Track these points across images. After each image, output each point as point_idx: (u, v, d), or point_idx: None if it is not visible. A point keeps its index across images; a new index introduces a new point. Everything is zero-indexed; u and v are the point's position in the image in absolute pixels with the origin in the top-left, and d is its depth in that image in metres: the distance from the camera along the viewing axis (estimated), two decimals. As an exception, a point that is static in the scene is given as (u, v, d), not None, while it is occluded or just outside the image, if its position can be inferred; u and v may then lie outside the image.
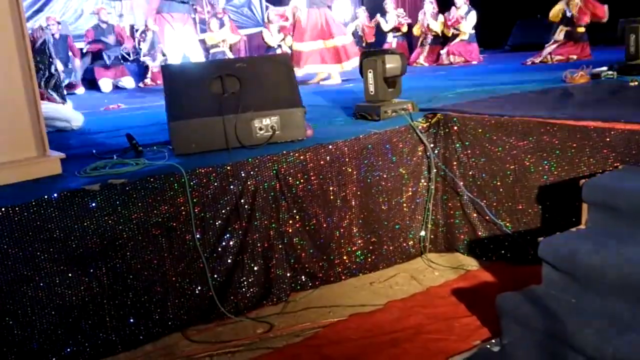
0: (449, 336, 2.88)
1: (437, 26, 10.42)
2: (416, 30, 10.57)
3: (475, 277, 3.57)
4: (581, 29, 8.30)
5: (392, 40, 11.42)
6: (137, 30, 11.00)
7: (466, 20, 9.85)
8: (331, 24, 8.02)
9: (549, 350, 2.43)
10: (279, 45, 12.28)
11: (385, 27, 11.48)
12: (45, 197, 2.65)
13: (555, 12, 8.50)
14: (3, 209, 2.53)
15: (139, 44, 10.71)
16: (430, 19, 10.54)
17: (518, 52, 9.96)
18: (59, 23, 9.32)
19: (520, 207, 3.59)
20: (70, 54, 9.73)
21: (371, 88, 4.10)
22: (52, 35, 9.26)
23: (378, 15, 11.49)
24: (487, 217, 3.73)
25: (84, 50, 9.95)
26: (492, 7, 11.98)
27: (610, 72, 5.35)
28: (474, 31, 9.88)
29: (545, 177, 3.45)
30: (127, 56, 10.40)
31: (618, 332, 2.25)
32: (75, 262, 2.74)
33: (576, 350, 2.29)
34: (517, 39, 11.28)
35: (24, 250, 2.60)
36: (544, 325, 2.45)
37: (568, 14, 8.37)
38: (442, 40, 10.48)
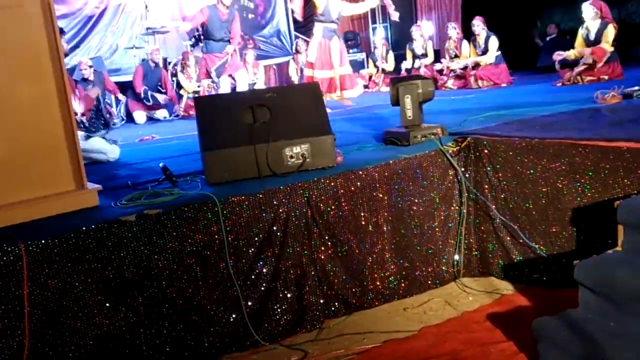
0: (485, 362, 2.86)
1: (456, 65, 10.44)
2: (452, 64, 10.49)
3: (511, 301, 3.53)
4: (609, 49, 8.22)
5: (420, 65, 11.44)
6: (169, 63, 11.20)
7: (489, 48, 9.83)
8: (334, 54, 8.25)
9: (587, 374, 2.39)
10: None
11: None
12: (83, 228, 2.71)
13: (578, 43, 8.47)
14: (43, 241, 2.59)
15: (172, 77, 10.89)
16: (449, 61, 10.55)
17: (548, 73, 9.88)
18: (90, 67, 9.58)
19: (554, 229, 3.55)
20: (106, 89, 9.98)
21: (409, 113, 4.12)
22: (86, 78, 9.51)
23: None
24: (521, 241, 3.70)
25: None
26: (520, 28, 11.95)
27: (642, 92, 5.29)
28: (499, 53, 9.84)
29: (578, 199, 3.42)
30: (160, 89, 10.57)
31: (658, 355, 2.22)
32: (113, 292, 2.78)
33: (615, 374, 2.26)
34: (546, 60, 11.21)
35: (63, 282, 2.65)
36: (582, 350, 2.42)
37: (591, 37, 8.32)
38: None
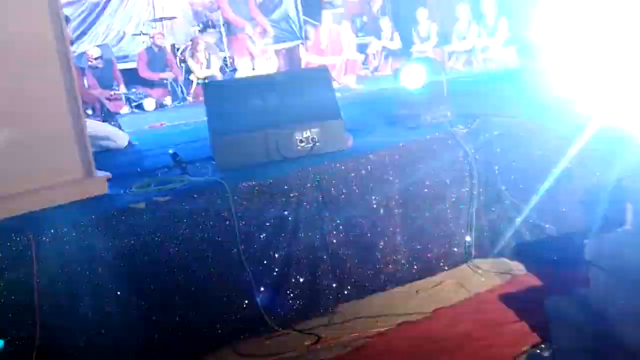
0: (498, 342, 2.86)
1: (464, 45, 10.38)
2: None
3: (523, 281, 3.53)
4: None
5: (428, 48, 11.36)
6: (178, 49, 11.17)
7: (499, 29, 9.78)
8: (344, 39, 8.25)
9: (600, 352, 2.39)
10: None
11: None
12: (93, 216, 2.71)
13: None
14: (52, 230, 2.60)
15: (180, 63, 10.87)
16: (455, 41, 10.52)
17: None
18: (96, 58, 9.60)
19: (564, 209, 3.54)
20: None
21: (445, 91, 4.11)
22: (95, 68, 9.54)
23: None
24: (531, 221, 3.69)
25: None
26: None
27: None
28: (509, 34, 9.77)
29: (588, 178, 3.40)
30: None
31: (671, 333, 2.21)
32: (124, 280, 2.79)
33: (627, 351, 2.25)
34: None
35: (73, 271, 2.66)
36: (593, 328, 2.42)
37: None
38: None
